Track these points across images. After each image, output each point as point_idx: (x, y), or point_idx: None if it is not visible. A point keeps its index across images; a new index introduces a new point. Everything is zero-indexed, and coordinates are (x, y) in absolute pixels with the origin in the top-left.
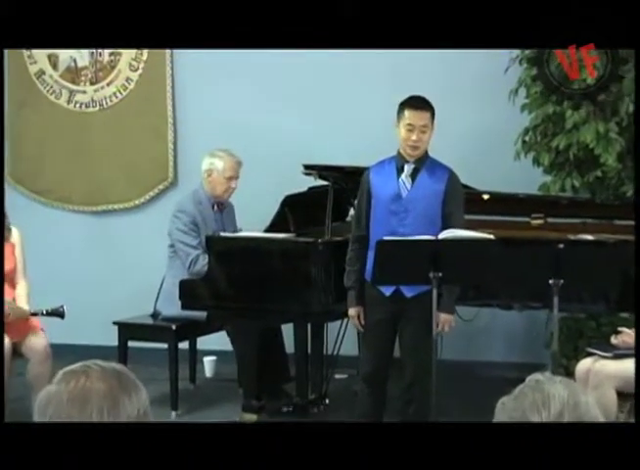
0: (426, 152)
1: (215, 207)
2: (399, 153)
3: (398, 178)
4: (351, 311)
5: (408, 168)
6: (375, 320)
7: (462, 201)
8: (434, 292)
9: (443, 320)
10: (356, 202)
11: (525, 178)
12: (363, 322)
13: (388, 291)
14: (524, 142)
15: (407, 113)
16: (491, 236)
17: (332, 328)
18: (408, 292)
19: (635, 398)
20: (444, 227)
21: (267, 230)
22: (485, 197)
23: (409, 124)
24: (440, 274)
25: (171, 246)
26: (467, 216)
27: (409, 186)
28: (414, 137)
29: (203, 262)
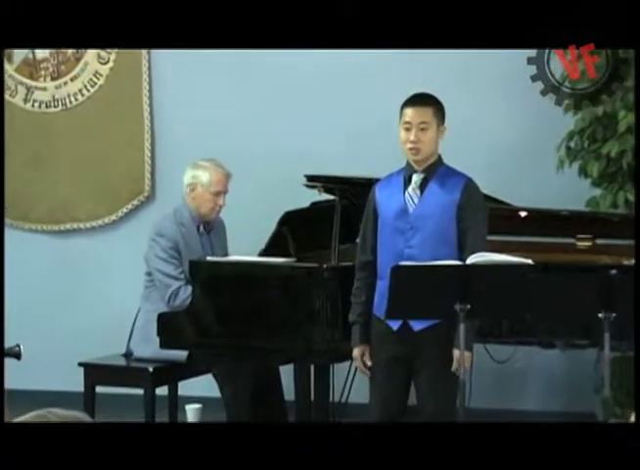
0: (439, 159)
1: (201, 227)
2: (407, 162)
3: (405, 191)
4: (355, 351)
5: (416, 179)
6: (382, 360)
7: (482, 215)
8: (462, 327)
9: (459, 358)
10: (362, 223)
11: (570, 192)
12: (369, 364)
13: (395, 325)
14: (568, 149)
15: (405, 111)
16: (529, 261)
17: (339, 370)
18: (416, 325)
19: (635, 398)
20: (460, 247)
21: (262, 254)
22: (522, 214)
23: (406, 122)
24: (469, 306)
25: (148, 274)
26: (501, 237)
27: (416, 200)
28: (412, 137)
29: (184, 296)
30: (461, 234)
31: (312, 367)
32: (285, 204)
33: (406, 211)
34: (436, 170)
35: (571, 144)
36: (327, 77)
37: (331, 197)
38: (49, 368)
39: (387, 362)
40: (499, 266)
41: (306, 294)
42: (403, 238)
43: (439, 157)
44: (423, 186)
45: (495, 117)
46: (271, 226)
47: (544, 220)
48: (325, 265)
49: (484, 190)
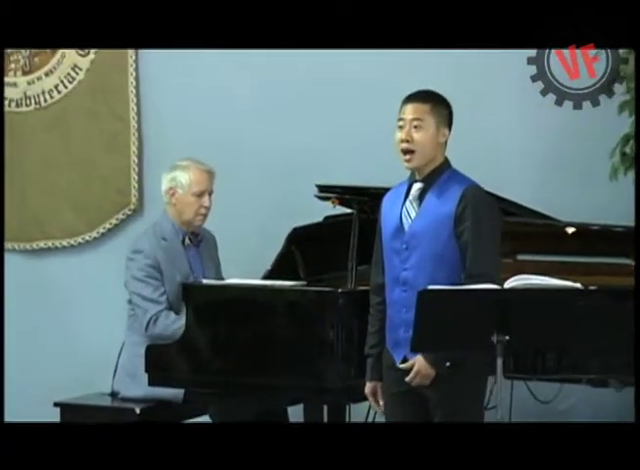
0: (442, 164)
1: (186, 240)
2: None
3: (403, 205)
4: (367, 387)
5: (415, 189)
6: (392, 395)
7: (486, 228)
8: (499, 362)
9: (418, 367)
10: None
11: (626, 205)
12: (382, 402)
13: (398, 358)
14: (623, 155)
15: (401, 108)
16: (578, 285)
17: (357, 410)
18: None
19: (635, 398)
20: (464, 268)
21: (268, 276)
22: (570, 231)
23: (400, 119)
24: (507, 337)
25: (130, 301)
26: (545, 257)
27: (413, 214)
28: (402, 135)
29: (166, 322)
30: (462, 251)
31: (325, 408)
32: (291, 218)
33: (402, 228)
34: (438, 178)
35: (627, 149)
36: (332, 78)
37: (347, 210)
38: (20, 408)
39: (396, 398)
40: (543, 291)
41: (318, 323)
42: (399, 259)
43: (445, 161)
44: (421, 198)
45: (535, 118)
46: (274, 244)
47: (595, 238)
48: (340, 290)
49: (527, 202)
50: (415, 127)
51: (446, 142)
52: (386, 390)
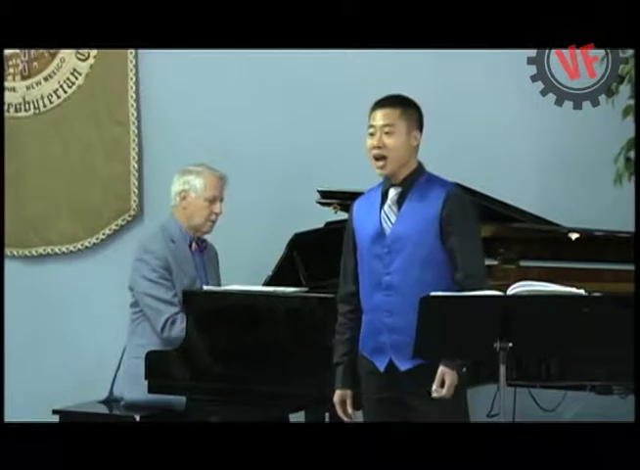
0: (418, 168)
1: (193, 244)
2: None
3: (381, 209)
4: (335, 396)
5: (393, 194)
6: (374, 401)
7: (472, 228)
8: (502, 369)
9: (451, 380)
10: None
11: (630, 210)
12: (350, 411)
13: (382, 365)
14: (627, 160)
15: (371, 114)
16: (582, 291)
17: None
18: (402, 365)
19: (635, 398)
20: (454, 268)
21: (268, 283)
22: (573, 236)
23: (370, 126)
24: (510, 344)
25: (134, 305)
26: (548, 263)
27: (393, 218)
28: (374, 141)
29: (182, 326)
30: (450, 253)
31: (327, 416)
32: (292, 224)
33: (383, 232)
34: (416, 182)
35: (631, 154)
36: (334, 80)
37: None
38: (18, 415)
39: (378, 404)
40: (546, 298)
41: (320, 329)
42: (382, 264)
43: (420, 166)
44: (401, 202)
45: (539, 121)
46: (275, 250)
47: (599, 244)
48: None
49: (527, 203)
50: (386, 133)
51: (418, 145)
52: (366, 396)
